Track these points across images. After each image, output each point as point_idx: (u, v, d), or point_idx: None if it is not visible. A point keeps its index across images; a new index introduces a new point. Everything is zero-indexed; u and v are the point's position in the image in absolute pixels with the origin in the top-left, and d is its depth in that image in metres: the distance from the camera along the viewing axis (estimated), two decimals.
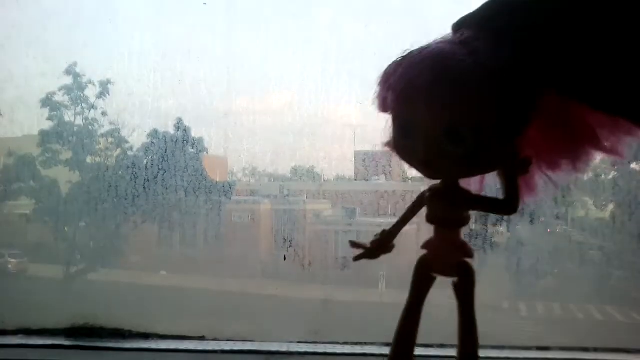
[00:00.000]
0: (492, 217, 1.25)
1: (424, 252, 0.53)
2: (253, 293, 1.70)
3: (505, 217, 1.29)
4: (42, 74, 1.50)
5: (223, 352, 0.89)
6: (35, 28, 1.37)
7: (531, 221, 1.43)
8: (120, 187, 1.38)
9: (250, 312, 1.53)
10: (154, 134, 1.45)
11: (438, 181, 0.51)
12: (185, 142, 1.42)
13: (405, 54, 0.46)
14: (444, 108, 0.43)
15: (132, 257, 1.80)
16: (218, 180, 1.55)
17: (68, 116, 1.69)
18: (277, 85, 1.35)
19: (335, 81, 1.26)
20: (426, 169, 0.48)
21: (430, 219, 0.51)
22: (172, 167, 1.35)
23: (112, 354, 0.88)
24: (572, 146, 0.47)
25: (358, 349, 0.88)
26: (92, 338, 0.90)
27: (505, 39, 0.42)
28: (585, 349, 0.93)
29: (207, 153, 1.47)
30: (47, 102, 1.66)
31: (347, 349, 0.89)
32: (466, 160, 0.45)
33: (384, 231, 0.55)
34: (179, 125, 1.45)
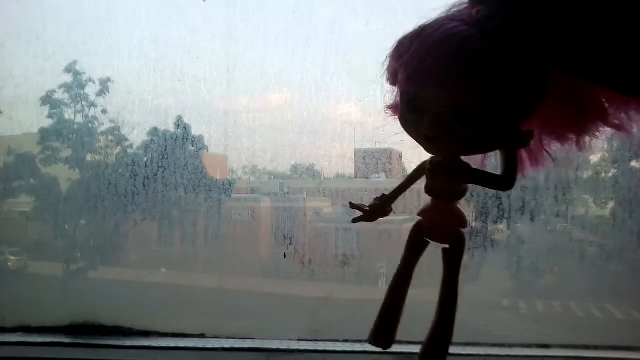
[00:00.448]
0: (493, 214, 1.25)
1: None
2: (253, 291, 1.70)
3: (506, 215, 1.29)
4: (42, 72, 1.50)
5: (223, 349, 0.89)
6: (35, 26, 1.37)
7: (531, 219, 1.43)
8: (120, 185, 1.38)
9: (250, 309, 1.53)
10: (154, 131, 1.45)
11: None
12: (185, 140, 1.41)
13: (419, 28, 0.46)
14: (455, 90, 0.42)
15: (132, 255, 1.80)
16: (218, 178, 1.55)
17: (68, 114, 1.69)
18: (276, 83, 1.34)
19: (335, 79, 1.26)
20: (430, 144, 0.48)
21: (428, 191, 0.52)
22: (172, 165, 1.34)
23: (111, 351, 0.88)
24: (580, 120, 0.47)
25: (358, 347, 0.89)
26: (91, 335, 0.90)
27: (517, 15, 0.42)
28: (586, 347, 0.93)
29: (207, 151, 1.47)
30: (47, 100, 1.66)
31: (347, 347, 0.90)
32: (473, 141, 0.45)
33: (383, 195, 0.55)
34: (179, 123, 1.44)
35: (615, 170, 1.34)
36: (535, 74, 0.43)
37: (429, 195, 0.52)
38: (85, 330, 0.91)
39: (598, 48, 0.41)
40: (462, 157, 0.50)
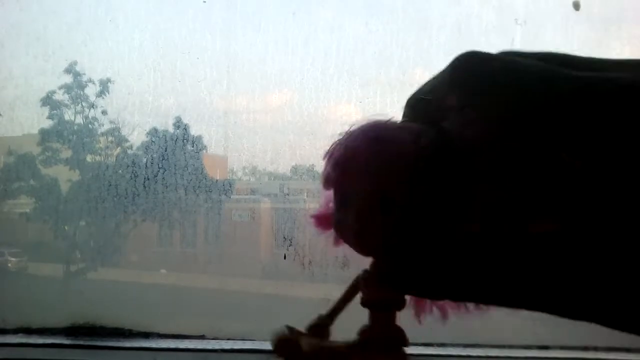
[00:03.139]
0: None
1: None
2: (253, 292, 1.70)
3: None
4: (42, 73, 1.50)
5: (223, 350, 0.89)
6: (35, 27, 1.37)
7: None
8: (120, 185, 1.38)
9: (250, 310, 1.53)
10: (154, 132, 1.45)
11: None
12: (185, 141, 1.42)
13: (347, 133, 0.48)
14: (378, 180, 0.44)
15: (132, 256, 1.80)
16: (218, 178, 1.55)
17: (68, 115, 1.69)
18: (277, 84, 1.35)
19: (335, 80, 1.26)
20: (358, 241, 0.48)
21: (364, 302, 0.51)
22: (171, 166, 1.35)
23: (112, 352, 0.88)
24: None
25: None
26: (92, 337, 0.90)
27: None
28: (585, 348, 0.93)
29: (207, 151, 1.47)
30: (47, 100, 1.66)
31: None
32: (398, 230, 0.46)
33: (320, 316, 0.55)
34: (179, 123, 1.45)
35: None
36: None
37: (366, 307, 0.51)
38: (86, 332, 0.91)
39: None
40: None
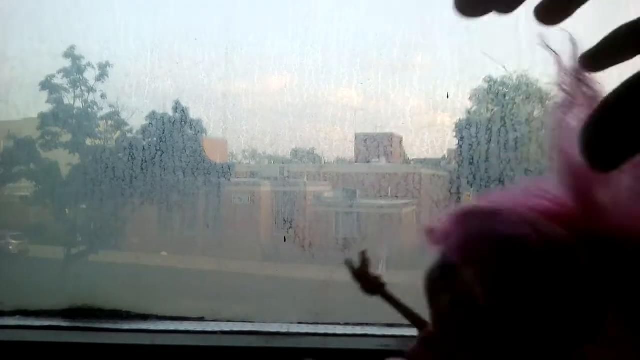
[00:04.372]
0: None
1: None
2: (253, 274, 1.71)
3: None
4: (41, 57, 1.49)
5: (223, 333, 0.88)
6: (34, 11, 1.36)
7: None
8: (119, 168, 1.38)
9: (250, 292, 1.53)
10: (153, 115, 1.44)
11: None
12: (183, 124, 1.41)
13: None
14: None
15: (133, 239, 1.80)
16: (218, 161, 1.54)
17: (67, 99, 1.69)
18: (276, 66, 1.33)
19: (336, 62, 1.25)
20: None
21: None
22: (170, 149, 1.34)
23: (110, 335, 0.88)
24: None
25: (358, 330, 0.88)
26: (89, 319, 0.90)
27: None
28: None
29: (206, 135, 1.46)
30: (47, 84, 1.66)
31: (348, 330, 0.89)
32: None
33: (385, 286, 0.52)
34: (177, 106, 1.44)
35: None
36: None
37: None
38: (83, 314, 0.91)
39: None
40: None
